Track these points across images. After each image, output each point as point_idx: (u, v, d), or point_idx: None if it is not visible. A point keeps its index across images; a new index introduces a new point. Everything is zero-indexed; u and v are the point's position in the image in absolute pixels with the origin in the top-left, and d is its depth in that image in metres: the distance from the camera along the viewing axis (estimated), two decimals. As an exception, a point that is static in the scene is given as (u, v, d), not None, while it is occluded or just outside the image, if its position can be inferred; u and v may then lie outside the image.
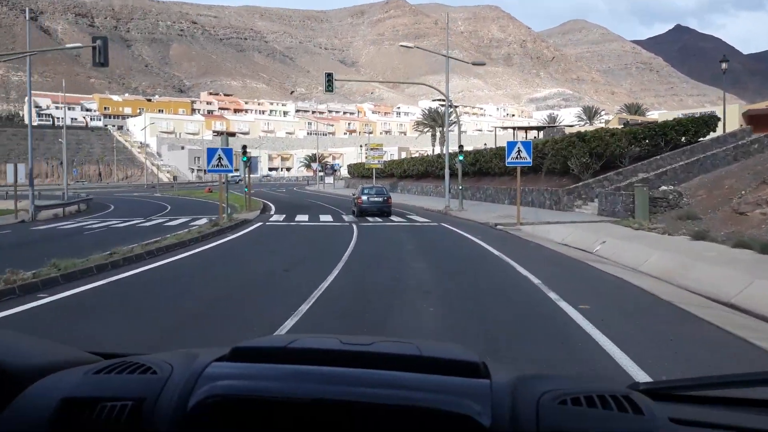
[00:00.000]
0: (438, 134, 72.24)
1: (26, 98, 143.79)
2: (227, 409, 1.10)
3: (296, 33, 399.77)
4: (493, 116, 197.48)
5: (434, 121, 76.26)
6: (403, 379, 1.15)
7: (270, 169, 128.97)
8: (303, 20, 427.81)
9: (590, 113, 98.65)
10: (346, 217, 25.11)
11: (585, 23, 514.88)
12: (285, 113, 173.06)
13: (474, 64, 37.36)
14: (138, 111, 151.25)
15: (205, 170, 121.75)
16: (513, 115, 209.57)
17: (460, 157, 27.82)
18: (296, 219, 24.14)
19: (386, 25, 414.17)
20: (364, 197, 25.61)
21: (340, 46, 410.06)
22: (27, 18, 33.93)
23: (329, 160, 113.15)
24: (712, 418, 1.12)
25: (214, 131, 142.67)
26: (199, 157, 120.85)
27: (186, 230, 18.07)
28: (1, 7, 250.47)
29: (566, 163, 27.79)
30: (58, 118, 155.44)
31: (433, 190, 44.63)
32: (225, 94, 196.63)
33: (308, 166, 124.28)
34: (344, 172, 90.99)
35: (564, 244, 15.21)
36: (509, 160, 20.27)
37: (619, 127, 31.90)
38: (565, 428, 1.04)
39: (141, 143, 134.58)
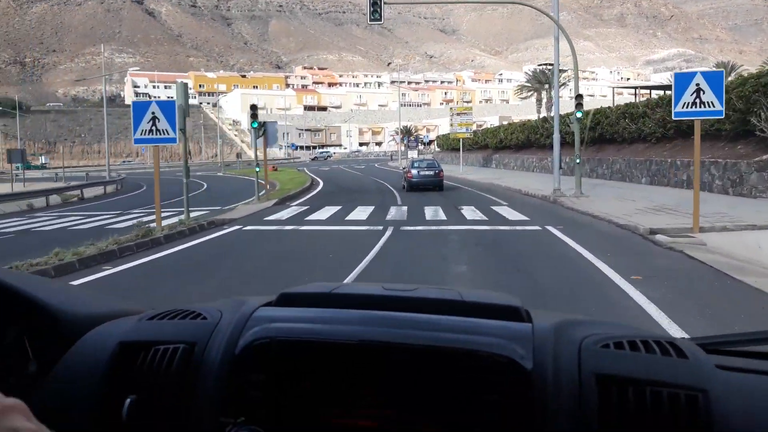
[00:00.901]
0: (544, 98, 61.40)
1: (125, 79, 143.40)
2: (274, 351, 1.13)
3: (395, 4, 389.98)
4: (606, 80, 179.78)
5: (540, 83, 65.27)
6: (445, 322, 1.16)
7: (360, 144, 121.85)
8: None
9: (727, 69, 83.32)
10: (393, 211, 16.56)
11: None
12: (379, 85, 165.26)
13: None
14: (232, 88, 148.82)
15: (290, 147, 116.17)
16: (628, 79, 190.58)
17: (578, 114, 18.16)
18: (314, 216, 15.72)
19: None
20: (414, 171, 24.68)
21: (440, 15, 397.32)
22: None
23: (422, 132, 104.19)
24: (762, 367, 1.09)
25: (305, 106, 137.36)
26: (288, 133, 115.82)
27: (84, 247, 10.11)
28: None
29: (746, 120, 17.61)
30: (156, 96, 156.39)
31: (537, 164, 34.82)
32: (319, 68, 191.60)
33: (400, 140, 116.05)
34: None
35: None
36: (679, 109, 10.77)
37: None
38: (608, 371, 1.03)
39: (234, 121, 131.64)
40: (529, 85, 67.80)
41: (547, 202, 18.21)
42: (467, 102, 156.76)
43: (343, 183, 33.55)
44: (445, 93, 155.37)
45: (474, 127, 44.47)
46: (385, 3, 19.12)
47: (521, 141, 39.06)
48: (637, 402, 0.98)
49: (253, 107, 19.48)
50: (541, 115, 57.97)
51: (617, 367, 1.03)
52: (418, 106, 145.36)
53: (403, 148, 63.17)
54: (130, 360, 1.19)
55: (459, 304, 1.23)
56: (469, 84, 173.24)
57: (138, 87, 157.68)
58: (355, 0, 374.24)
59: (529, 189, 21.82)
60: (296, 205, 18.95)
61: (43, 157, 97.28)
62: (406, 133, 78.65)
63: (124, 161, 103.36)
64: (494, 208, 16.65)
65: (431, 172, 24.39)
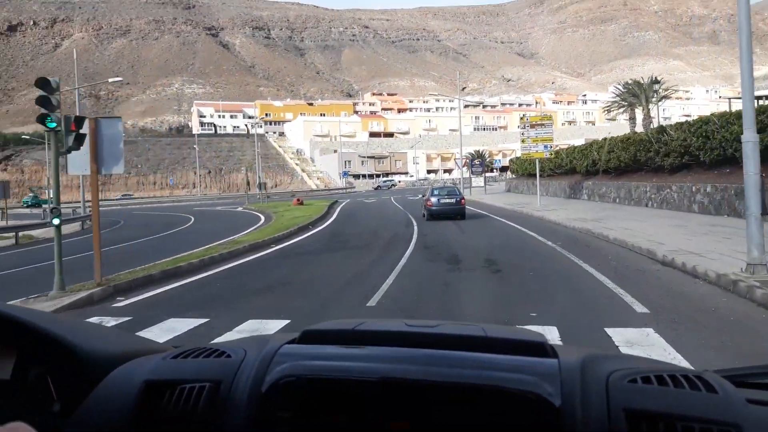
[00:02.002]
0: (639, 115, 49.53)
1: (192, 109, 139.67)
2: (300, 389, 1.13)
3: (470, 29, 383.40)
4: (703, 99, 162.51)
5: (635, 96, 53.31)
6: (469, 358, 1.14)
7: (428, 172, 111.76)
8: (477, 16, 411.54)
9: None
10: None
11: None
12: (452, 109, 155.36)
13: None
14: (299, 116, 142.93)
15: (353, 175, 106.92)
16: (728, 98, 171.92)
17: None
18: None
19: (568, 12, 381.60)
20: (434, 199, 23.31)
21: (517, 39, 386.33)
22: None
23: (497, 157, 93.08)
24: None
25: (370, 132, 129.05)
26: (350, 161, 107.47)
27: None
28: (185, 26, 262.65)
29: None
30: (221, 126, 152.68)
31: (654, 195, 23.43)
32: (389, 94, 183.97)
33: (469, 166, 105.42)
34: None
35: None
36: None
37: None
38: (637, 406, 1.00)
39: (298, 150, 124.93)
40: (620, 100, 55.59)
41: (740, 299, 7.41)
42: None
43: (360, 224, 23.86)
44: (523, 115, 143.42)
45: (554, 147, 33.28)
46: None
47: (625, 162, 27.77)
48: None
49: (78, 118, 9.80)
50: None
51: (646, 402, 1.01)
52: (493, 129, 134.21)
53: (468, 174, 52.69)
54: (156, 399, 1.19)
55: (483, 340, 1.22)
56: (549, 106, 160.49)
57: (204, 117, 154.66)
58: (429, 27, 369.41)
59: (675, 251, 10.91)
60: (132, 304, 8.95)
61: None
62: (477, 157, 68.26)
63: (123, 195, 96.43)
64: (623, 332, 5.98)
65: (452, 200, 23.35)
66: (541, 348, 1.18)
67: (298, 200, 39.66)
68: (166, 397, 1.18)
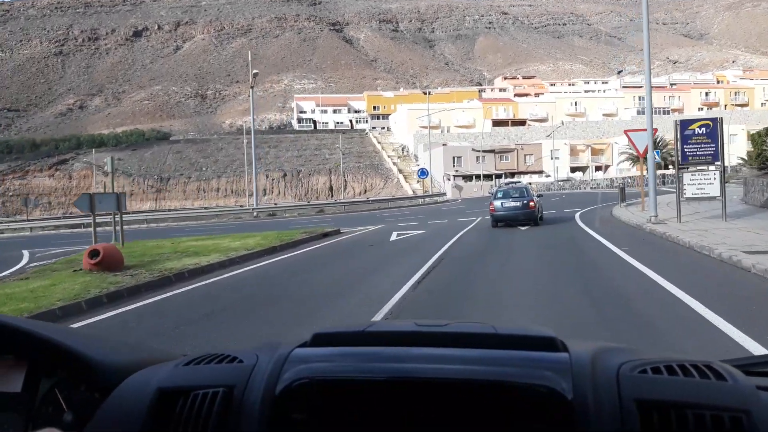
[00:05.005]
0: None
1: (293, 103, 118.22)
2: (314, 391, 1.13)
3: (625, 11, 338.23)
4: None
5: None
6: (480, 355, 1.15)
7: (573, 170, 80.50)
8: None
9: None
10: None
11: None
12: (604, 91, 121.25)
13: None
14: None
15: (462, 176, 75.79)
16: None
17: None
18: None
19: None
20: (497, 202, 20.87)
21: (682, 19, 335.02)
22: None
23: (673, 145, 60.76)
24: None
25: (494, 120, 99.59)
26: (459, 157, 79.08)
27: None
28: (307, 22, 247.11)
29: None
30: (323, 122, 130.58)
31: None
32: (524, 77, 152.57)
33: (635, 160, 72.36)
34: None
35: None
36: None
37: None
38: (648, 396, 1.01)
39: (402, 147, 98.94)
40: None
41: None
42: (742, 106, 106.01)
43: None
44: (706, 94, 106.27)
45: None
46: None
47: None
48: (680, 426, 0.97)
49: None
50: None
51: (657, 391, 1.01)
52: (664, 113, 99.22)
53: (645, 172, 23.04)
54: (169, 406, 1.18)
55: (493, 338, 1.21)
56: (740, 82, 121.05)
57: (304, 112, 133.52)
58: (578, 11, 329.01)
59: None
60: None
61: (32, 205, 72.05)
62: (659, 145, 39.01)
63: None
64: None
65: (517, 203, 20.66)
66: (551, 343, 1.17)
67: (95, 256, 12.52)
68: (180, 404, 1.18)
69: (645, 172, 22.23)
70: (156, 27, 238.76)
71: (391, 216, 32.28)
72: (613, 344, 1.24)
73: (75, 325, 7.69)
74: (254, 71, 42.19)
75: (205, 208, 48.39)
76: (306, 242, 17.89)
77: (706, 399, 0.98)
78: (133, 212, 47.60)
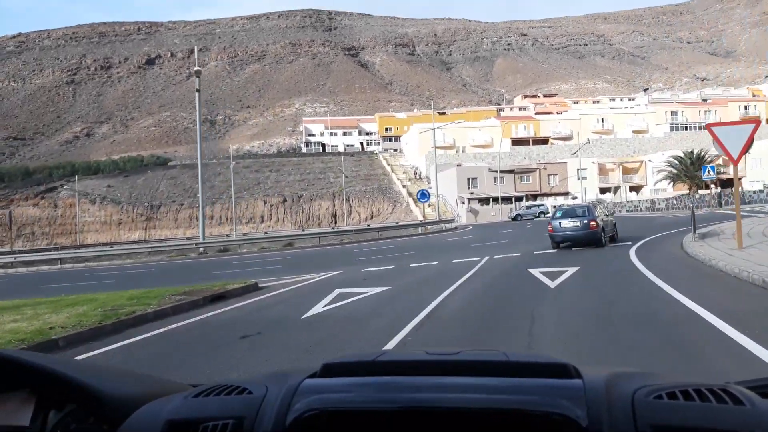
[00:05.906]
0: None
1: (302, 127, 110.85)
2: (323, 422, 1.12)
3: (648, 31, 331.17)
4: None
5: None
6: (494, 384, 1.12)
7: (602, 190, 72.01)
8: (656, 17, 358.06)
9: None
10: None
11: None
12: (632, 108, 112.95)
13: None
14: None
15: (478, 199, 67.56)
16: None
17: None
18: None
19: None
20: (555, 222, 19.51)
21: (707, 38, 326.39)
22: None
23: (717, 162, 52.27)
24: None
25: (513, 139, 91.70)
26: (475, 178, 71.26)
27: None
28: (322, 48, 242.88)
29: None
30: (332, 145, 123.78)
31: None
32: (545, 95, 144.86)
33: (675, 178, 63.71)
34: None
35: None
36: None
37: None
38: (664, 423, 0.98)
39: (414, 168, 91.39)
40: None
41: None
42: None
43: None
44: (745, 107, 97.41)
45: None
46: None
47: None
48: None
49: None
50: None
51: (674, 417, 0.99)
52: (699, 128, 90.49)
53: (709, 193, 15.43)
54: None
55: (505, 365, 1.19)
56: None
57: (313, 135, 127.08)
58: (599, 31, 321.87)
59: None
60: None
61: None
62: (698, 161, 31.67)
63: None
64: None
65: (577, 223, 19.15)
66: (564, 369, 1.15)
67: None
68: None
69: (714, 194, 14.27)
70: (169, 54, 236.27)
71: (367, 254, 24.19)
72: (627, 369, 1.21)
73: None
74: (196, 68, 34.89)
75: (146, 241, 41.03)
76: (162, 317, 10.03)
77: (723, 424, 0.95)
78: (42, 250, 40.26)
